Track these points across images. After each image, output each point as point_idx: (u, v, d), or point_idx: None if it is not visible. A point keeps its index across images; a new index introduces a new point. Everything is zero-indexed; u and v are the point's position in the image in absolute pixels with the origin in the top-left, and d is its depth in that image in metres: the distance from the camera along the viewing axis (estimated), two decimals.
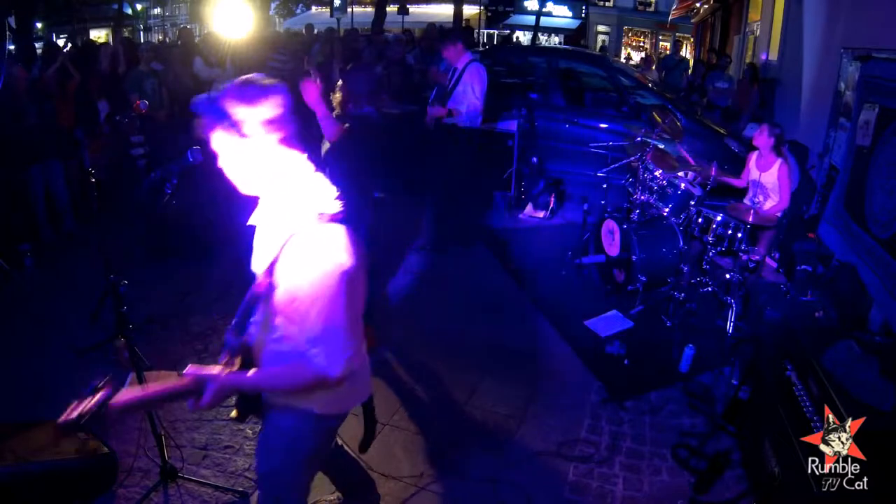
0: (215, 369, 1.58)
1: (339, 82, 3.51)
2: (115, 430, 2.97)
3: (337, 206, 1.58)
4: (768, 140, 4.39)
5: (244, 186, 1.60)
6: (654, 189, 4.61)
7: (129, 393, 1.51)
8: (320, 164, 1.72)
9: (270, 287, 1.54)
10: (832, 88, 5.22)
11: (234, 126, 1.48)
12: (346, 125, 3.43)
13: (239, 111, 1.48)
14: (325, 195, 1.59)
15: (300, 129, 1.61)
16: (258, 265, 1.64)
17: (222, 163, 1.57)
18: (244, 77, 1.54)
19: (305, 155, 1.64)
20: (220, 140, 1.52)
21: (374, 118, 3.45)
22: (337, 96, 3.49)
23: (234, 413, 1.75)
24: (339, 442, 2.14)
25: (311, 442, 1.79)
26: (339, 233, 1.54)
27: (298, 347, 1.53)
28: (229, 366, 1.62)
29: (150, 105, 5.83)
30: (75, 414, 1.45)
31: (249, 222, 1.65)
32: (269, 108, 1.51)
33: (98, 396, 1.46)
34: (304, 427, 1.72)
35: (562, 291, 4.68)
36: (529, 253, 5.39)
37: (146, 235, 4.96)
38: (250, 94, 1.50)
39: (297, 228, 1.51)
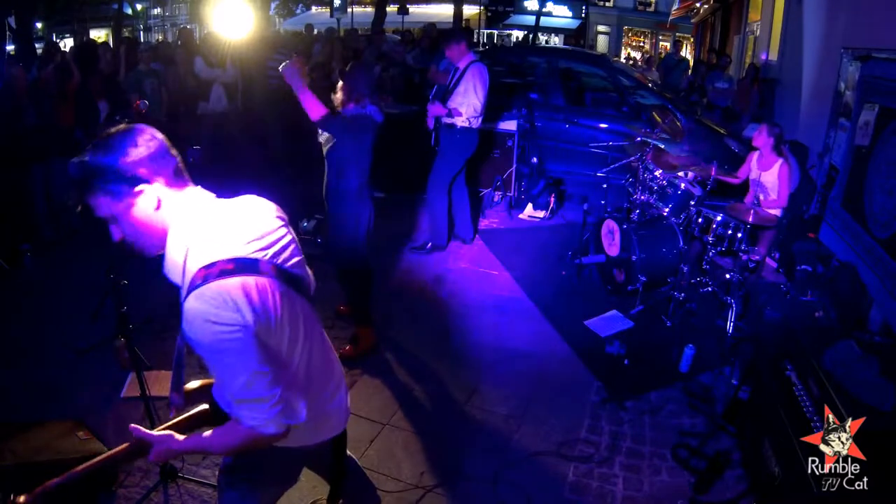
0: (167, 381, 1.53)
1: (341, 83, 3.50)
2: (116, 430, 2.97)
3: (234, 250, 1.39)
4: (768, 140, 4.40)
5: (142, 248, 1.46)
6: (654, 189, 4.61)
7: (87, 464, 1.47)
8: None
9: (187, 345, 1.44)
10: (832, 88, 5.22)
11: (102, 191, 1.36)
12: (346, 120, 3.40)
13: (119, 161, 1.35)
14: (220, 238, 1.40)
15: (183, 162, 1.47)
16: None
17: (116, 231, 1.43)
18: (107, 131, 1.41)
19: (198, 187, 1.50)
20: (108, 202, 1.38)
21: (375, 117, 3.44)
22: (338, 96, 3.48)
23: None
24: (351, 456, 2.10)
25: (269, 470, 1.72)
26: (231, 290, 1.33)
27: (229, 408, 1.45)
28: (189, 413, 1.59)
29: (149, 105, 5.84)
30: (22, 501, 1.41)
31: (167, 274, 1.48)
32: (138, 152, 1.37)
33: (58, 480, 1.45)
34: (259, 457, 1.61)
35: (562, 291, 4.68)
36: (529, 253, 5.39)
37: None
38: (121, 141, 1.37)
39: (193, 282, 1.35)
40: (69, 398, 3.21)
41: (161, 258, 1.47)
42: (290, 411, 1.44)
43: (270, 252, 1.46)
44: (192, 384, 1.68)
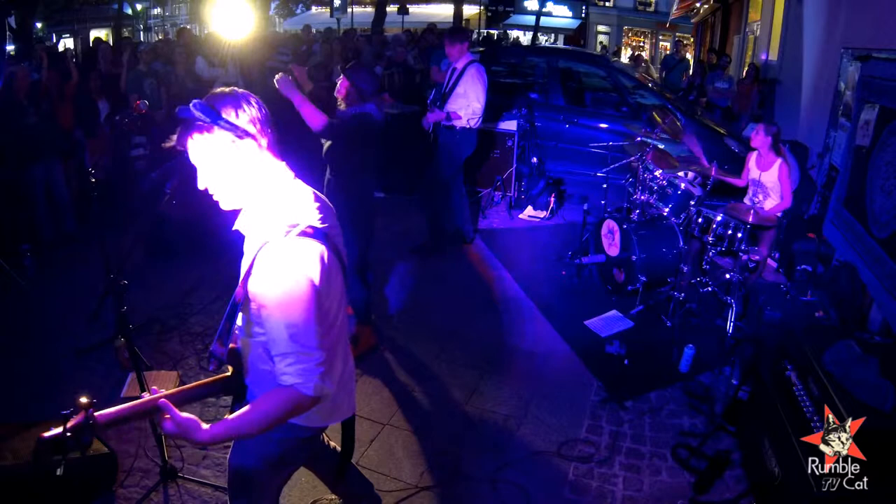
0: (168, 381, 1.53)
1: (341, 78, 3.48)
2: (116, 430, 2.97)
3: (312, 220, 1.54)
4: (765, 139, 4.39)
5: (226, 198, 1.56)
6: (654, 189, 4.61)
7: (108, 410, 1.47)
8: (306, 172, 1.70)
9: (246, 296, 1.52)
10: (832, 88, 5.23)
11: (223, 127, 1.47)
12: (346, 120, 3.40)
13: (227, 113, 1.48)
14: (301, 208, 1.56)
15: (277, 139, 1.61)
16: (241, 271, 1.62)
17: (202, 176, 1.53)
18: (221, 88, 1.55)
19: (284, 163, 1.63)
20: (203, 147, 1.49)
21: (375, 116, 3.43)
22: (340, 93, 3.47)
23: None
24: (334, 446, 2.12)
25: (281, 448, 1.75)
26: (310, 248, 1.48)
27: (271, 365, 1.50)
28: (218, 374, 1.61)
29: (149, 105, 5.84)
30: (53, 433, 1.38)
31: (235, 227, 1.61)
32: (252, 112, 1.52)
33: (80, 416, 1.42)
34: (275, 433, 1.64)
35: (562, 291, 4.68)
36: (529, 253, 5.39)
37: (145, 235, 4.96)
38: (234, 99, 1.51)
39: (269, 240, 1.47)
40: (69, 398, 3.20)
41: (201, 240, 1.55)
42: (328, 376, 1.51)
43: (328, 227, 1.59)
44: (233, 345, 1.72)
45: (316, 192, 1.70)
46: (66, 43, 20.13)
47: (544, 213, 6.29)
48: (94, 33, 19.74)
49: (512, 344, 3.96)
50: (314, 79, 5.09)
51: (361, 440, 3.01)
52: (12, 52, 9.61)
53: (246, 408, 1.50)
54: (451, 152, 5.05)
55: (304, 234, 1.49)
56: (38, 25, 18.12)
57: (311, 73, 5.38)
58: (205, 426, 1.48)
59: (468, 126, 4.93)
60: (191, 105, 1.46)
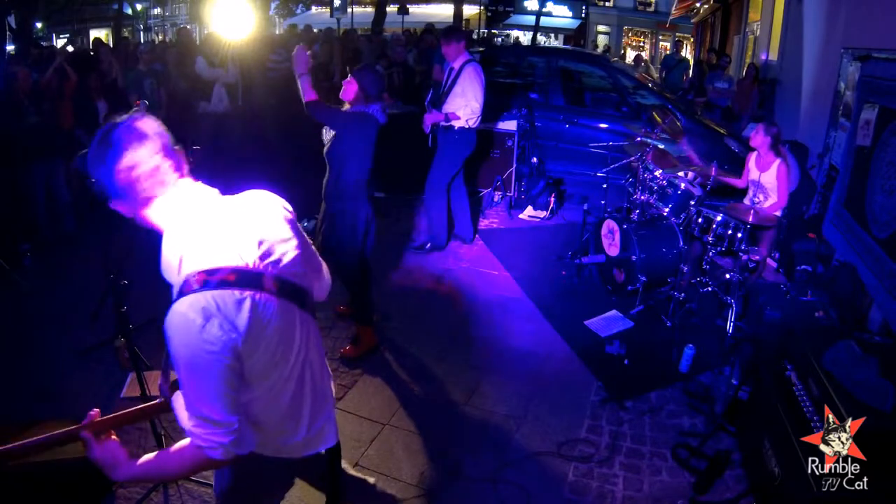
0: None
1: (349, 79, 3.49)
2: (116, 431, 2.97)
3: (237, 257, 1.32)
4: (765, 139, 4.39)
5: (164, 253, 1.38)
6: (654, 189, 4.61)
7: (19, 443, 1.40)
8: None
9: None
10: (832, 88, 5.23)
11: (100, 186, 1.31)
12: (348, 118, 3.43)
13: (99, 171, 1.30)
14: (225, 241, 1.33)
15: (187, 158, 1.43)
16: None
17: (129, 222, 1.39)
18: (100, 133, 1.34)
19: (199, 182, 1.43)
20: (122, 205, 1.35)
21: (378, 117, 3.45)
22: (345, 93, 3.49)
23: None
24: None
25: (257, 480, 1.67)
26: (230, 301, 1.28)
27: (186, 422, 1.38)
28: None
29: (149, 105, 5.83)
30: None
31: (164, 273, 1.41)
32: (140, 150, 1.30)
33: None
34: (249, 465, 1.55)
35: (562, 291, 4.68)
36: (529, 253, 5.39)
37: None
38: (104, 150, 1.30)
39: (182, 287, 1.29)
40: (69, 398, 3.21)
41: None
42: (241, 442, 1.37)
43: (274, 259, 1.39)
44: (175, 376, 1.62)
45: (264, 196, 1.49)
46: (63, 43, 20.12)
47: (544, 213, 6.28)
48: (94, 33, 19.75)
49: (512, 344, 3.96)
50: (317, 79, 5.11)
51: (361, 440, 3.01)
52: (12, 52, 9.61)
53: (165, 452, 1.41)
54: (450, 153, 5.05)
55: (221, 284, 1.28)
56: (38, 25, 18.11)
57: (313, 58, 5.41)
58: (126, 463, 1.40)
59: (467, 126, 4.93)
60: (75, 160, 1.38)
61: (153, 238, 1.45)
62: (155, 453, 1.42)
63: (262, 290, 1.33)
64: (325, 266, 1.73)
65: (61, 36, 20.92)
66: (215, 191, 1.45)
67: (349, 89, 3.46)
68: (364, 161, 3.46)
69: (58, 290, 4.49)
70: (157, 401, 1.61)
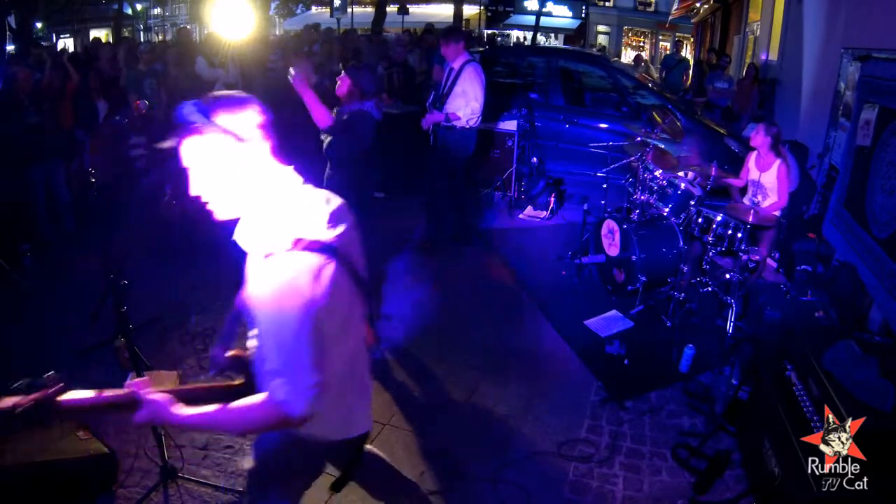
0: (167, 381, 1.50)
1: (342, 77, 3.50)
2: (115, 430, 2.97)
3: (320, 232, 1.45)
4: (765, 139, 4.39)
5: (220, 206, 1.49)
6: (654, 189, 4.61)
7: (76, 394, 1.45)
8: (313, 176, 1.61)
9: (247, 304, 1.48)
10: (832, 88, 5.23)
11: (218, 130, 1.41)
12: (345, 117, 3.44)
13: (224, 116, 1.42)
14: (309, 218, 1.47)
15: (281, 143, 1.54)
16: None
17: (195, 181, 1.46)
18: (222, 91, 1.50)
19: (292, 167, 1.55)
20: (196, 150, 1.43)
21: (374, 114, 3.46)
22: (341, 90, 3.50)
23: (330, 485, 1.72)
24: (372, 450, 2.08)
25: (297, 457, 1.73)
26: (312, 265, 1.40)
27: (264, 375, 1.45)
28: (220, 381, 1.58)
29: (149, 105, 5.84)
30: (10, 403, 1.36)
31: (234, 237, 1.52)
32: (252, 116, 1.46)
33: (42, 393, 1.40)
34: (288, 443, 1.64)
35: (562, 291, 4.68)
36: (529, 253, 5.39)
37: (146, 235, 4.96)
38: (236, 101, 1.46)
39: (271, 252, 1.41)
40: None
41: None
42: (321, 398, 1.44)
43: (345, 245, 1.51)
44: (235, 351, 1.65)
45: (332, 195, 1.60)
46: (66, 43, 20.14)
47: (544, 213, 6.29)
48: (94, 33, 19.76)
49: (512, 344, 3.96)
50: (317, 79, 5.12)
51: None
52: (12, 52, 9.62)
53: (232, 405, 1.44)
54: (451, 153, 5.05)
55: (308, 248, 1.41)
56: (38, 25, 18.12)
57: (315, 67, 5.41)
58: (179, 409, 1.44)
59: (467, 126, 4.93)
60: (185, 106, 1.41)
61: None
62: (216, 406, 1.45)
63: (338, 262, 1.45)
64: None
65: (62, 36, 20.93)
66: (300, 178, 1.57)
67: (342, 85, 3.49)
68: (362, 158, 3.48)
69: (58, 290, 4.49)
70: (236, 382, 1.63)
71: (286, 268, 1.38)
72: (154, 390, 1.46)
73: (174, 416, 1.44)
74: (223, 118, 1.42)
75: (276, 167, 1.52)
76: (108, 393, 1.47)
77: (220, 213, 1.51)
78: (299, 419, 1.42)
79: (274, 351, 1.40)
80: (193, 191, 1.47)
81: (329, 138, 3.46)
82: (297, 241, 1.41)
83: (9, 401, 1.37)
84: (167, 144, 1.45)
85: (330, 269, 1.43)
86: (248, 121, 1.45)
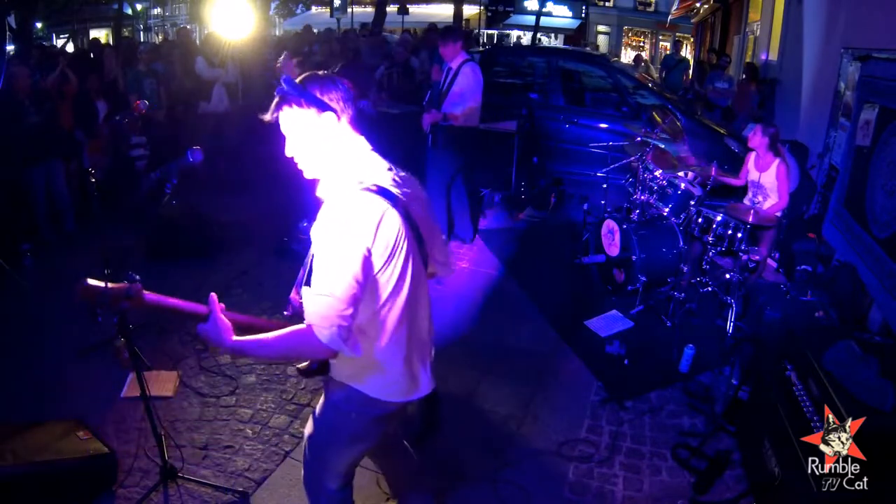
0: (168, 381, 1.58)
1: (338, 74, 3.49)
2: (116, 430, 2.97)
3: (382, 181, 1.61)
4: (762, 140, 4.39)
5: (308, 166, 1.68)
6: (654, 189, 4.61)
7: (158, 296, 1.65)
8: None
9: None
10: (832, 88, 5.23)
11: (308, 101, 1.60)
12: None
13: (313, 90, 1.62)
14: (374, 171, 1.65)
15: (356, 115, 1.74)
16: None
17: (290, 145, 1.66)
18: (315, 72, 1.70)
19: (363, 137, 1.73)
20: (290, 119, 1.62)
21: (367, 112, 3.44)
22: None
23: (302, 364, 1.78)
24: (411, 452, 2.10)
25: (354, 423, 1.79)
26: (369, 202, 1.55)
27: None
28: (291, 321, 1.65)
29: (149, 105, 5.84)
30: (102, 284, 1.62)
31: (317, 194, 1.69)
32: (337, 91, 1.65)
33: (122, 287, 1.62)
34: (349, 406, 1.74)
35: (562, 291, 4.68)
36: (529, 253, 5.39)
37: (146, 235, 4.96)
38: (321, 79, 1.66)
39: (339, 192, 1.58)
40: (69, 398, 3.21)
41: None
42: (350, 339, 1.53)
43: (408, 202, 1.64)
44: None
45: (396, 167, 1.74)
46: (67, 43, 20.11)
47: (544, 213, 6.28)
48: (94, 33, 19.76)
49: (512, 344, 3.96)
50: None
51: None
52: (12, 52, 9.61)
53: (271, 334, 1.56)
54: (449, 152, 5.05)
55: (367, 189, 1.56)
56: (38, 25, 18.12)
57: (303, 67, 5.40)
58: (234, 337, 1.58)
59: (465, 126, 4.92)
60: (282, 80, 1.61)
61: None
62: (261, 335, 1.58)
63: (397, 207, 1.58)
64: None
65: (61, 36, 20.91)
66: (369, 146, 1.75)
67: None
68: None
69: (58, 290, 4.48)
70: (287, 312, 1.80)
71: (345, 201, 1.54)
72: (225, 315, 1.62)
73: (227, 341, 1.58)
74: (311, 91, 1.62)
75: (352, 134, 1.70)
76: (187, 303, 1.68)
77: (307, 173, 1.69)
78: (326, 350, 1.53)
79: (318, 272, 1.50)
80: (287, 152, 1.67)
81: None
82: (362, 184, 1.58)
83: (100, 283, 1.62)
84: (266, 117, 1.66)
85: (389, 213, 1.56)
86: (332, 94, 1.64)
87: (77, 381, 3.38)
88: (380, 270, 1.57)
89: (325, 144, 1.65)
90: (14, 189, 4.98)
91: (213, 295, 1.63)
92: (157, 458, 2.71)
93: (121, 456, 2.73)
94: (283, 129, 1.66)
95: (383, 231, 1.54)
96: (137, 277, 1.64)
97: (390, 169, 1.71)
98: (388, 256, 1.57)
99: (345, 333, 1.51)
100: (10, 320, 4.01)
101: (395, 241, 1.58)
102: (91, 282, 1.63)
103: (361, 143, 1.72)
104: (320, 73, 1.70)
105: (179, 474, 2.70)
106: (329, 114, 1.63)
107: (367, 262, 1.52)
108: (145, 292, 1.64)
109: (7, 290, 4.33)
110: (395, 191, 1.61)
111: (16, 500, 2.38)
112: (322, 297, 1.49)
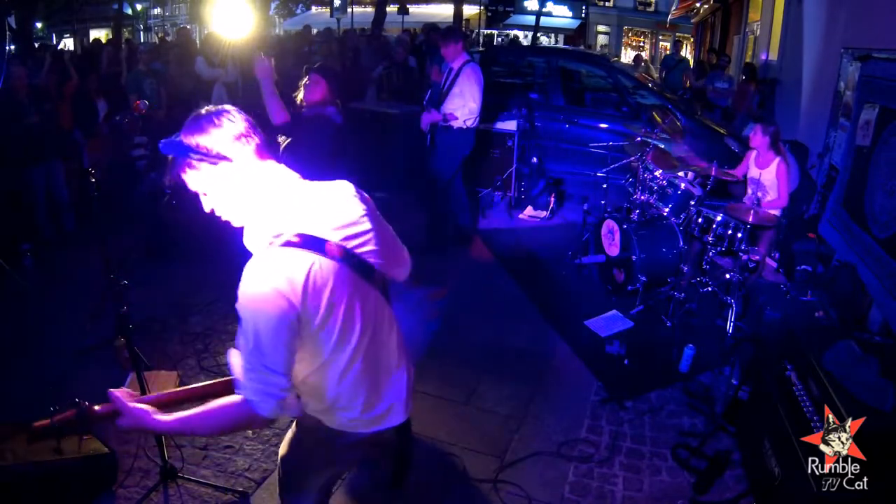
0: (168, 381, 1.56)
1: (305, 79, 3.44)
2: (115, 430, 2.96)
3: (306, 226, 1.43)
4: (763, 139, 4.39)
5: (231, 218, 1.52)
6: (654, 189, 4.61)
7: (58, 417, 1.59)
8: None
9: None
10: (832, 88, 5.23)
11: (196, 159, 1.43)
12: (305, 118, 3.36)
13: (196, 142, 1.44)
14: (297, 213, 1.46)
15: (268, 141, 1.55)
16: None
17: (205, 202, 1.50)
18: (195, 111, 1.51)
19: (282, 165, 1.55)
20: (192, 179, 1.47)
21: (334, 119, 3.38)
22: (300, 94, 3.43)
23: None
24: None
25: (324, 449, 1.70)
26: (297, 261, 1.37)
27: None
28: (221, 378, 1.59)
29: (149, 105, 5.83)
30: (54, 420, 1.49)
31: (245, 243, 1.55)
32: (229, 127, 1.46)
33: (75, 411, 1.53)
34: (318, 434, 1.64)
35: (562, 291, 4.68)
36: (529, 253, 5.39)
37: (146, 235, 4.97)
38: (202, 123, 1.46)
39: (256, 249, 1.44)
40: (69, 398, 3.19)
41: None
42: (289, 405, 1.43)
43: (343, 236, 1.47)
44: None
45: (338, 185, 1.57)
46: (66, 43, 20.14)
47: (544, 213, 6.28)
48: (94, 33, 19.76)
49: (512, 344, 3.96)
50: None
51: None
52: (12, 52, 9.61)
53: (205, 407, 1.45)
54: (448, 153, 5.05)
55: (287, 244, 1.39)
56: (38, 25, 18.12)
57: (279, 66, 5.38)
58: (159, 416, 1.48)
59: (465, 126, 4.93)
60: (160, 145, 1.45)
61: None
62: (194, 409, 1.47)
63: (325, 255, 1.41)
64: (406, 254, 1.90)
65: (64, 36, 20.93)
66: (296, 175, 1.56)
67: (317, 90, 3.35)
68: (318, 163, 3.35)
69: (58, 290, 4.49)
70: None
71: (259, 266, 1.37)
72: (135, 401, 1.53)
73: (150, 422, 1.49)
74: (195, 145, 1.43)
75: (267, 168, 1.51)
76: (96, 407, 1.57)
77: (235, 223, 1.53)
78: (265, 421, 1.43)
79: (247, 345, 1.37)
80: (206, 209, 1.51)
81: (285, 142, 3.36)
82: (279, 237, 1.41)
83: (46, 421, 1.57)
84: (168, 181, 1.50)
85: (317, 265, 1.39)
86: (223, 137, 1.45)
87: (77, 381, 3.38)
88: (318, 328, 1.42)
89: (235, 193, 1.48)
90: (14, 189, 4.98)
91: (112, 391, 1.56)
92: (157, 458, 2.71)
93: (121, 456, 2.73)
94: (192, 189, 1.50)
95: (313, 288, 1.38)
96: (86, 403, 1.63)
97: (332, 198, 1.52)
98: (324, 312, 1.41)
99: (284, 403, 1.41)
100: (10, 320, 4.01)
101: (331, 292, 1.41)
102: (37, 424, 1.56)
103: (277, 177, 1.51)
104: (203, 111, 1.49)
105: (179, 474, 2.70)
106: (224, 163, 1.44)
107: (298, 327, 1.38)
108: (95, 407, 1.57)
109: (7, 290, 4.33)
110: (322, 232, 1.44)
111: (16, 500, 2.37)
112: (255, 374, 1.37)
